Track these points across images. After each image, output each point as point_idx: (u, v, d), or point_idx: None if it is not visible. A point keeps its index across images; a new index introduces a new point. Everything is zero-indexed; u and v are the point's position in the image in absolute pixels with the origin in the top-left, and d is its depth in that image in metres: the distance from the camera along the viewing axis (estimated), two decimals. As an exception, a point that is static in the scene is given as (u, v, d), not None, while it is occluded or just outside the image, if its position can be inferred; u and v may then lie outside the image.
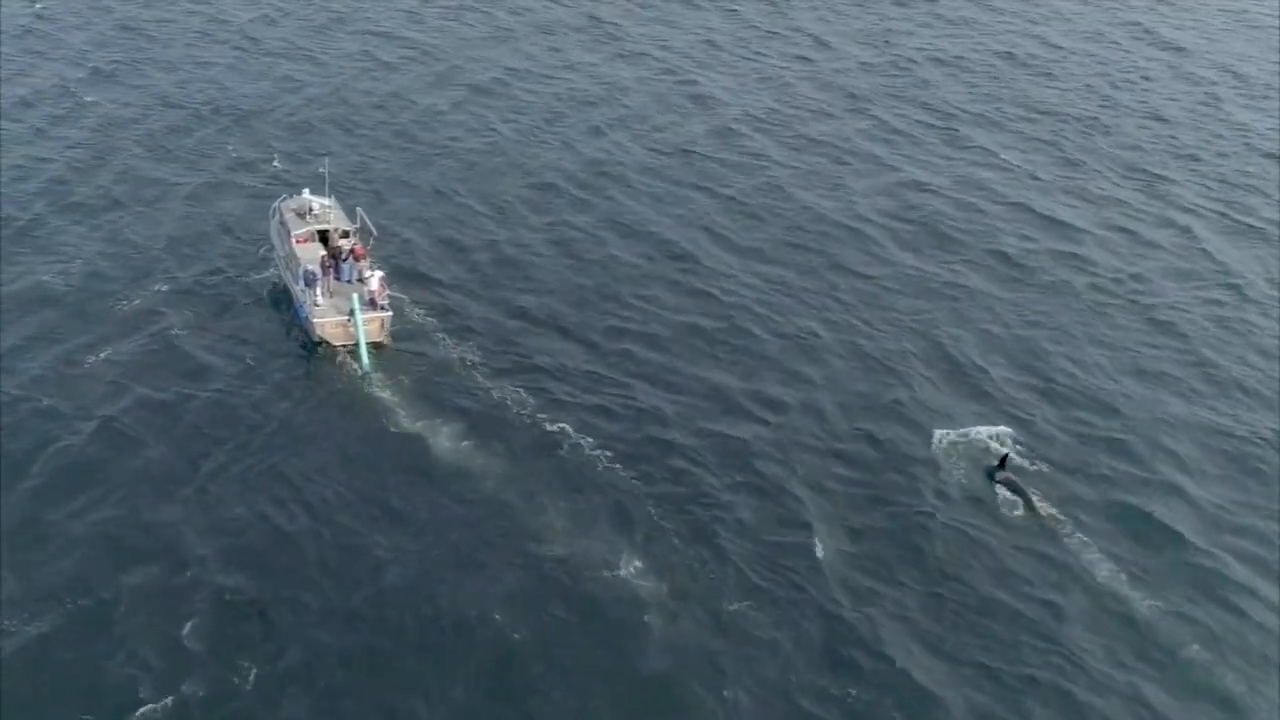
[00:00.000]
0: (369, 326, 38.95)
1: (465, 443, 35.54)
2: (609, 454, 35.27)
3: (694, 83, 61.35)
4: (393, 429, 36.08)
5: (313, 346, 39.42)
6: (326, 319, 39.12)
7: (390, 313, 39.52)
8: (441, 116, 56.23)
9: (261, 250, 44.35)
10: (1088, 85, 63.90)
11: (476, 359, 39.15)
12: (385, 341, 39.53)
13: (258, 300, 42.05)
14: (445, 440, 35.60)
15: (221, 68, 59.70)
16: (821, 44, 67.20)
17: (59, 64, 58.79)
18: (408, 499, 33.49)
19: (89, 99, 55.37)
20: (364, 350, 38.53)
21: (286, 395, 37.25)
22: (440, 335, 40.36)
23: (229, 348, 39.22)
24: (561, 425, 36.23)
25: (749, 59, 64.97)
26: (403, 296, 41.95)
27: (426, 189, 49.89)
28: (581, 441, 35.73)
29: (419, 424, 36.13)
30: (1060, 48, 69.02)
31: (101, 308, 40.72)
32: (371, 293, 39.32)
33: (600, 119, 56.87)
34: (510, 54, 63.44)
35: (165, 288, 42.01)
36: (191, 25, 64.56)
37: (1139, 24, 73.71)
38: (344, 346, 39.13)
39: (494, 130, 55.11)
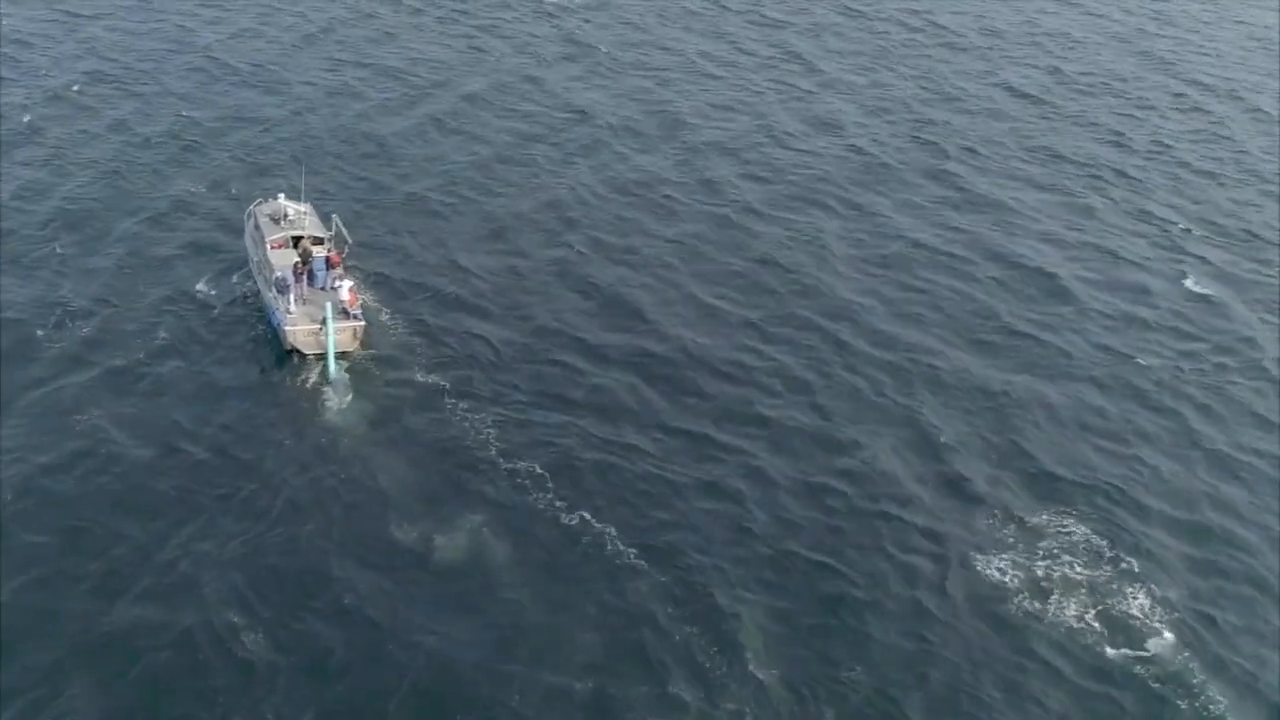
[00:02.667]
0: (341, 336, 38.70)
1: (467, 527, 32.60)
2: (634, 551, 32.07)
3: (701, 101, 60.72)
4: (388, 510, 33.11)
5: (284, 356, 39.10)
6: (299, 327, 38.76)
7: (363, 321, 39.25)
8: (426, 135, 55.55)
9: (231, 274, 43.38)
10: (1102, 125, 61.59)
11: (480, 419, 36.73)
12: (357, 350, 39.30)
13: (229, 321, 41.15)
14: (446, 528, 32.55)
15: (189, 88, 58.38)
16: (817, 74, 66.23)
17: (20, 89, 57.08)
18: (407, 599, 30.36)
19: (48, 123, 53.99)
20: (332, 359, 38.28)
21: (266, 453, 35.19)
22: (431, 377, 38.53)
23: (197, 384, 37.85)
24: (582, 513, 33.19)
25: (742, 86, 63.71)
26: (386, 309, 41.69)
27: (406, 205, 49.16)
28: (605, 532, 32.58)
29: (417, 511, 33.14)
30: (1072, 83, 66.86)
31: (52, 341, 39.16)
32: (343, 302, 39.08)
33: (597, 138, 56.18)
34: (493, 73, 62.89)
35: (136, 308, 41.19)
36: (160, 47, 63.11)
37: (1160, 58, 71.65)
38: (316, 355, 38.84)
39: (486, 148, 54.52)
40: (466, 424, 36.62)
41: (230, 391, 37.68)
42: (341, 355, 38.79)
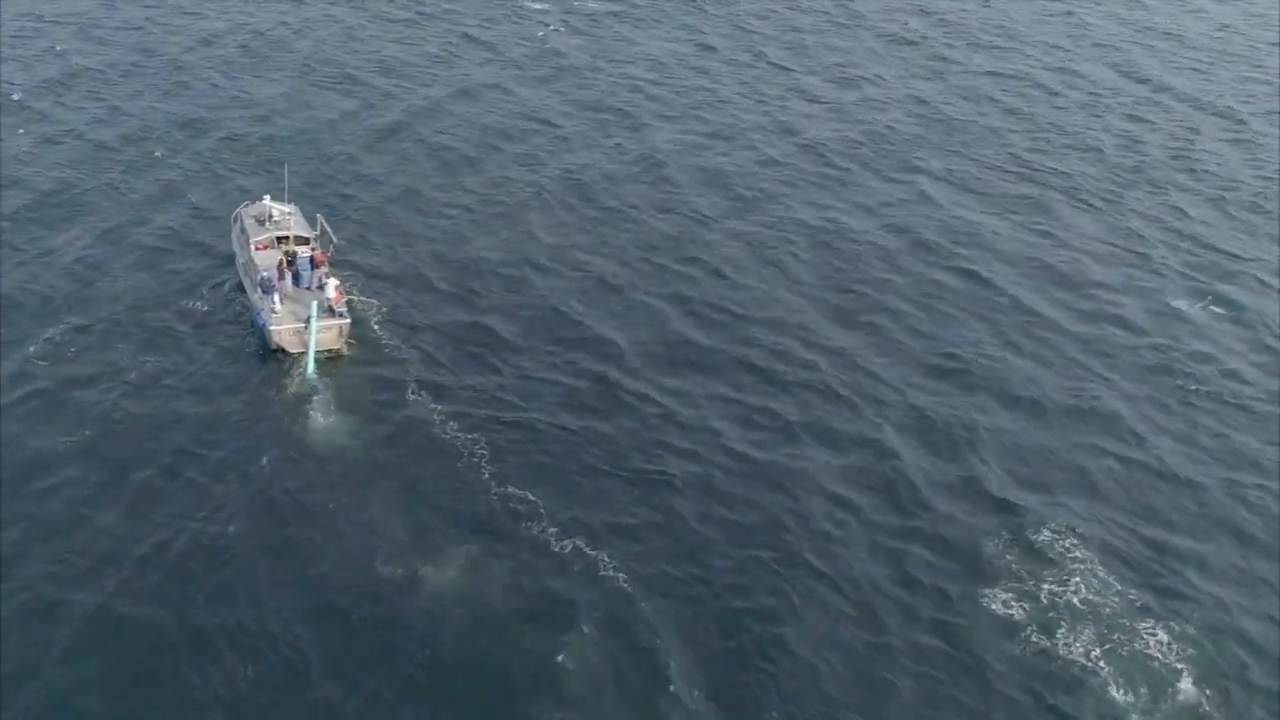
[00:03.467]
0: (328, 334, 38.52)
1: (457, 559, 31.33)
2: (624, 575, 31.07)
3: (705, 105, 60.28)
4: (375, 539, 31.85)
5: (264, 367, 38.73)
6: (283, 326, 38.61)
7: (348, 320, 39.10)
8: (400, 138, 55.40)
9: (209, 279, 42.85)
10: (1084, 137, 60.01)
11: (473, 438, 35.70)
12: (344, 349, 39.07)
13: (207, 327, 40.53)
14: (434, 559, 31.29)
15: (159, 96, 57.47)
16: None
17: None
18: (392, 635, 29.12)
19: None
20: (312, 357, 38.08)
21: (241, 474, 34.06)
22: (420, 394, 37.56)
23: (177, 393, 37.14)
24: (575, 540, 32.00)
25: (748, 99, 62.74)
26: (373, 319, 41.07)
27: (384, 214, 48.50)
28: (597, 559, 31.48)
29: (404, 540, 31.93)
30: (1060, 95, 65.17)
31: (9, 360, 38.02)
32: (329, 300, 38.87)
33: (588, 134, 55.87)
34: (474, 73, 62.74)
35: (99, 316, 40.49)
36: (131, 55, 62.15)
37: (1150, 70, 70.04)
38: (300, 354, 38.59)
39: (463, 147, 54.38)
40: (458, 443, 35.61)
41: (206, 410, 36.51)
42: (332, 355, 38.72)
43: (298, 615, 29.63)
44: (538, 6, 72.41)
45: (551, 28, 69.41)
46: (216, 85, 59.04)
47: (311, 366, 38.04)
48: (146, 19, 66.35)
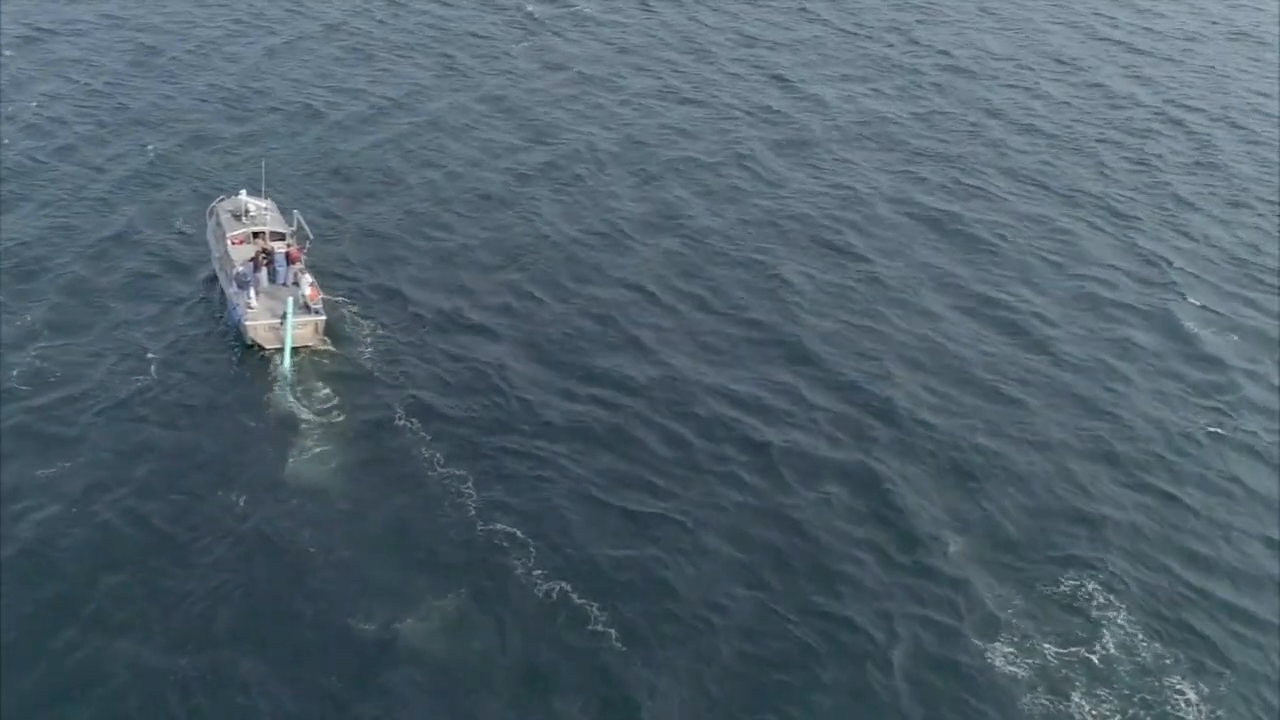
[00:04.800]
0: (303, 330, 38.37)
1: (440, 609, 29.46)
2: (616, 631, 29.20)
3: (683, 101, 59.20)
4: (352, 587, 29.87)
5: (244, 350, 38.36)
6: (259, 322, 38.20)
7: (324, 316, 38.73)
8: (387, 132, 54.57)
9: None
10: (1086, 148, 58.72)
11: (460, 474, 33.85)
12: (319, 345, 39.05)
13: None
14: (415, 608, 29.43)
15: (145, 108, 55.39)
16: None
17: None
18: (371, 691, 27.37)
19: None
20: (288, 354, 37.63)
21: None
22: (412, 419, 35.95)
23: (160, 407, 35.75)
24: (561, 584, 30.22)
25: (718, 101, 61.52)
26: (363, 338, 39.87)
27: (372, 229, 47.08)
28: (586, 608, 29.59)
29: (384, 588, 29.99)
30: (1061, 107, 64.06)
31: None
32: (305, 296, 38.74)
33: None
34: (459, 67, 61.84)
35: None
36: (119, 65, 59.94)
37: (1152, 79, 68.83)
38: (276, 350, 38.37)
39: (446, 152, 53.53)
40: (446, 478, 33.80)
41: (175, 437, 34.80)
42: (308, 352, 38.24)
43: (265, 678, 27.54)
44: (531, 8, 71.45)
45: (551, 42, 67.87)
46: (169, 95, 56.72)
47: (288, 363, 37.94)
48: (93, 26, 63.83)
